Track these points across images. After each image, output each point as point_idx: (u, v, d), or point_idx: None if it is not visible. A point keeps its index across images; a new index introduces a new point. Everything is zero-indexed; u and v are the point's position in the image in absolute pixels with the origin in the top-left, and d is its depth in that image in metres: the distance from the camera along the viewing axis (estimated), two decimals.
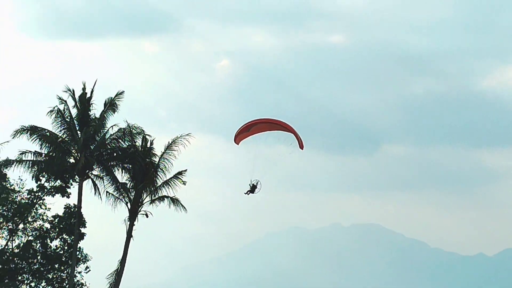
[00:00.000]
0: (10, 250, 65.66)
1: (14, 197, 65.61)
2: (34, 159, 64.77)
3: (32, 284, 66.30)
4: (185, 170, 66.09)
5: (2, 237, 65.76)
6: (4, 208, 65.02)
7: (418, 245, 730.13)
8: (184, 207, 66.15)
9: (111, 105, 65.55)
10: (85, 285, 67.05)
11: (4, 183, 65.41)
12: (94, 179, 65.76)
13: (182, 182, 65.95)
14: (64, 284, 66.33)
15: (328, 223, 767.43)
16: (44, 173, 65.32)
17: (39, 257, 65.96)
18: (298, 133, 44.73)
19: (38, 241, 66.17)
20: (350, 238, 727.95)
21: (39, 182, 65.70)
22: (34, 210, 66.11)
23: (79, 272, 66.51)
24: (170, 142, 66.10)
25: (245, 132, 44.72)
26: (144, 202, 65.76)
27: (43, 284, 66.30)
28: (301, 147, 46.06)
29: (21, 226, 66.02)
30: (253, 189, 50.00)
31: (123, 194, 65.60)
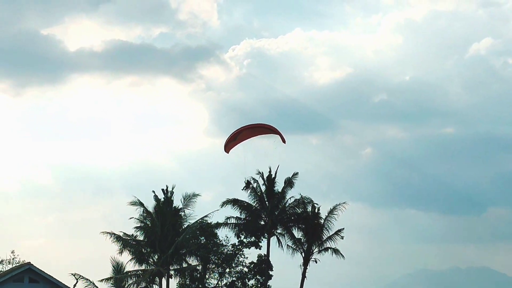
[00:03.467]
0: (220, 287, 66.18)
1: (222, 249, 66.24)
2: (236, 222, 65.66)
3: None
4: (343, 229, 65.67)
5: (215, 278, 66.46)
6: (215, 257, 65.78)
7: None
8: (343, 255, 65.53)
9: (289, 183, 65.76)
10: None
11: (215, 240, 66.32)
12: (278, 236, 65.88)
13: (340, 237, 65.51)
14: None
15: (449, 266, 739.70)
16: (243, 232, 65.79)
17: None
18: (278, 130, 37.63)
19: (239, 281, 66.42)
20: (466, 278, 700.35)
21: (239, 239, 66.18)
22: (236, 259, 66.55)
23: None
24: (331, 208, 65.81)
25: (232, 141, 39.18)
26: (313, 252, 65.54)
27: None
28: (283, 141, 39.13)
29: (227, 270, 66.53)
30: (248, 184, 42.48)
31: (299, 247, 65.51)
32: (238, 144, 37.42)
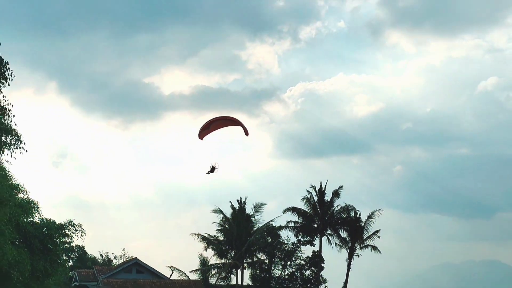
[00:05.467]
0: (283, 276, 65.83)
1: (284, 246, 65.36)
2: (295, 225, 65.31)
3: None
4: (379, 230, 64.90)
5: (279, 269, 65.54)
6: (279, 253, 64.99)
7: None
8: (380, 251, 64.66)
9: (336, 194, 65.38)
10: None
11: (279, 239, 65.77)
12: (328, 236, 65.40)
13: (378, 237, 64.71)
14: None
15: (465, 260, 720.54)
16: (300, 233, 65.33)
17: (299, 281, 65.45)
18: (244, 125, 33.07)
19: (298, 272, 65.72)
20: (480, 269, 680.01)
21: (297, 238, 65.66)
22: (295, 254, 65.89)
23: None
24: (370, 214, 65.09)
25: (206, 129, 33.12)
26: (356, 248, 64.83)
27: None
28: (246, 134, 34.24)
29: (288, 263, 65.82)
30: (212, 169, 37.05)
31: (344, 244, 64.92)
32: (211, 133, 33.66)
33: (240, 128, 32.31)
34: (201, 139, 33.67)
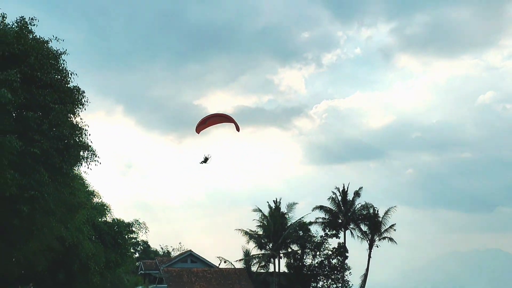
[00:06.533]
0: (313, 264, 65.54)
1: (314, 239, 64.95)
2: (322, 221, 65.07)
3: (324, 282, 65.22)
4: (395, 224, 64.39)
5: (309, 258, 65.48)
6: (309, 244, 64.66)
7: None
8: (396, 242, 63.90)
9: (356, 194, 65.18)
10: (349, 282, 65.54)
11: (308, 233, 65.70)
12: (351, 230, 64.94)
13: (393, 230, 64.18)
14: (339, 283, 65.09)
15: (470, 249, 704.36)
16: (327, 227, 65.02)
17: (327, 268, 65.36)
18: (236, 122, 30.08)
19: (326, 260, 65.58)
20: (484, 257, 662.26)
21: (325, 232, 65.25)
22: (323, 245, 65.64)
23: (346, 275, 65.48)
24: (386, 210, 64.63)
25: (203, 124, 29.91)
26: (375, 240, 64.28)
27: (329, 281, 65.14)
28: (238, 129, 31.16)
29: (317, 253, 65.56)
30: (205, 160, 33.51)
31: (365, 237, 64.38)
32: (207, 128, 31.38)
33: (233, 124, 29.99)
34: (198, 133, 31.10)
